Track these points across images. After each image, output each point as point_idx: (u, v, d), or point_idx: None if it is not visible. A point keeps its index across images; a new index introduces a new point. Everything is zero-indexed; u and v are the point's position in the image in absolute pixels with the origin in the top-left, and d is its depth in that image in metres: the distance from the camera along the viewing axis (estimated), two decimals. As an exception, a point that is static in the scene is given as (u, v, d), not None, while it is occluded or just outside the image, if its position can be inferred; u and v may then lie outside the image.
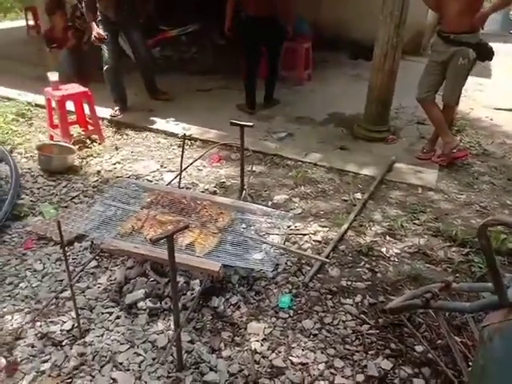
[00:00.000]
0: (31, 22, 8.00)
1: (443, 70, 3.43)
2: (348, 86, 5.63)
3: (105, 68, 4.42)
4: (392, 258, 2.55)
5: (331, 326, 2.05)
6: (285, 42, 4.94)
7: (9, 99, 4.80)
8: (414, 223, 2.88)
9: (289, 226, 2.78)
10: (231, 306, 2.13)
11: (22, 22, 8.35)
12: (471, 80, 6.15)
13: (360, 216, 2.92)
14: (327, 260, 2.44)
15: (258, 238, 2.44)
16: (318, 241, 2.68)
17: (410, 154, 3.88)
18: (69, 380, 1.76)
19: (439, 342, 1.96)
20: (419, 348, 1.94)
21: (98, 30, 4.13)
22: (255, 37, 4.45)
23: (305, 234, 2.74)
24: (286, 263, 2.46)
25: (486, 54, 3.30)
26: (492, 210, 3.07)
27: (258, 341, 1.96)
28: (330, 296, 2.25)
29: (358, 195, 3.18)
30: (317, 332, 2.02)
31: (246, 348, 1.92)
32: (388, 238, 2.73)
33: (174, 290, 1.63)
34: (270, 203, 3.06)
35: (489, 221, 1.18)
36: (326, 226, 2.83)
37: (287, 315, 2.11)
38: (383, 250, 2.61)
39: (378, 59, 3.83)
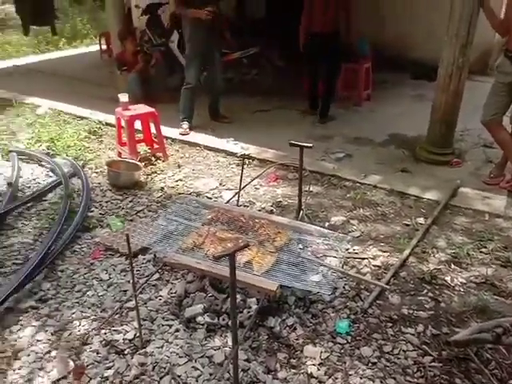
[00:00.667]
0: (104, 47, 8.61)
1: (510, 91, 3.30)
2: (409, 107, 5.51)
3: (186, 86, 4.66)
4: (457, 288, 2.43)
5: (391, 355, 1.98)
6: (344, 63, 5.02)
7: (82, 118, 5.16)
8: (481, 252, 2.73)
9: (347, 249, 2.74)
10: (287, 328, 2.12)
11: (95, 47, 9.00)
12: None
13: (423, 242, 2.82)
14: (387, 286, 2.36)
15: (316, 260, 2.42)
16: (378, 266, 2.61)
17: (476, 178, 3.70)
18: (130, 389, 1.83)
19: (510, 382, 1.82)
20: (488, 387, 1.82)
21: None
22: (318, 52, 4.75)
23: (364, 258, 2.68)
24: (343, 287, 2.42)
25: None
26: None
27: (314, 365, 1.93)
28: (390, 324, 2.17)
29: (421, 220, 3.07)
30: (376, 360, 1.96)
31: (302, 371, 1.90)
32: (453, 266, 2.61)
33: (233, 308, 1.65)
34: (326, 224, 3.04)
35: None
36: (386, 251, 2.75)
37: (345, 341, 2.07)
38: (447, 278, 2.49)
39: (443, 79, 3.73)
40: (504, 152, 3.55)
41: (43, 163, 3.91)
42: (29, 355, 2.01)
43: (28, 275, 2.40)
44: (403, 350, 2.01)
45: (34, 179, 3.66)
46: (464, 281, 2.48)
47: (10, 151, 4.01)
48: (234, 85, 6.13)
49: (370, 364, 1.94)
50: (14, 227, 2.98)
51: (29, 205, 3.22)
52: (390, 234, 2.94)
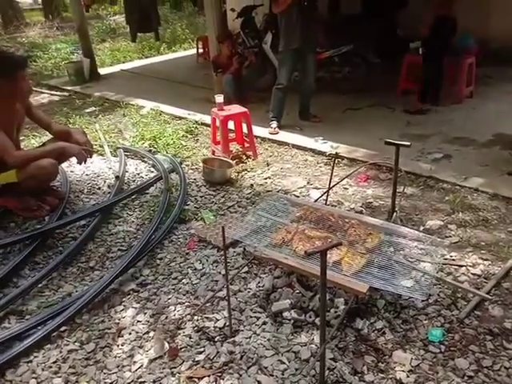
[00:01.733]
0: (201, 50, 9.07)
1: None
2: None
3: (278, 87, 4.75)
4: None
5: (491, 371, 1.84)
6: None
7: (180, 118, 5.50)
8: None
9: (443, 255, 2.59)
10: (376, 331, 2.07)
11: (193, 51, 9.52)
12: None
13: (530, 251, 2.57)
14: (489, 297, 2.19)
15: (408, 264, 2.32)
16: (478, 274, 2.43)
17: None
18: (219, 374, 1.92)
19: None
20: None
21: None
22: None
23: (461, 266, 2.51)
24: (438, 294, 2.29)
25: None
26: None
27: (403, 371, 1.86)
28: (489, 337, 2.01)
29: (529, 227, 2.80)
30: (472, 374, 1.83)
31: (390, 376, 1.84)
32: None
33: (323, 306, 1.66)
34: (421, 228, 2.89)
35: None
36: (487, 259, 2.55)
37: (438, 350, 1.96)
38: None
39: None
40: None
41: (146, 159, 4.24)
42: (130, 333, 2.20)
43: (131, 261, 2.63)
44: (505, 367, 1.85)
45: (138, 174, 3.99)
46: None
47: (118, 148, 4.41)
48: (325, 83, 6.08)
49: (465, 377, 1.82)
50: (120, 217, 3.28)
51: (133, 197, 3.52)
52: (492, 241, 2.72)
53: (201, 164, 3.91)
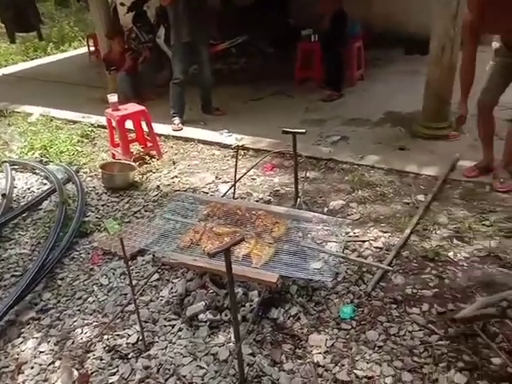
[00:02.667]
0: (92, 48, 8.53)
1: None
2: (404, 83, 5.40)
3: (174, 81, 4.61)
4: (461, 263, 2.39)
5: (397, 337, 1.95)
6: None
7: (74, 122, 5.11)
8: (484, 224, 2.68)
9: (347, 233, 2.70)
10: (291, 318, 2.10)
11: (84, 49, 8.91)
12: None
13: (424, 219, 2.77)
14: (390, 268, 2.33)
15: (316, 247, 2.38)
16: (379, 247, 2.57)
17: (474, 150, 3.62)
18: (136, 392, 1.81)
19: (520, 354, 1.79)
20: (496, 361, 1.78)
21: None
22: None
23: (364, 241, 2.64)
24: (346, 272, 2.38)
25: None
26: None
27: (320, 353, 1.91)
28: (394, 305, 2.14)
29: (421, 197, 3.03)
30: (382, 344, 1.93)
31: (308, 361, 1.88)
32: (455, 241, 2.56)
33: (233, 303, 1.62)
34: (325, 210, 3.00)
35: None
36: (387, 232, 2.71)
37: (350, 326, 2.04)
38: (450, 254, 2.45)
39: (435, 53, 3.64)
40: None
41: (37, 171, 3.88)
42: (32, 368, 2.00)
43: (27, 286, 2.38)
44: (409, 331, 1.98)
45: (29, 188, 3.63)
46: (467, 255, 2.43)
47: (3, 162, 3.98)
48: (223, 75, 6.05)
49: (376, 348, 1.91)
50: (10, 239, 2.96)
51: (24, 215, 3.20)
52: (390, 214, 2.90)
53: (100, 170, 3.67)
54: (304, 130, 2.54)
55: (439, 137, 3.86)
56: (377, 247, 2.58)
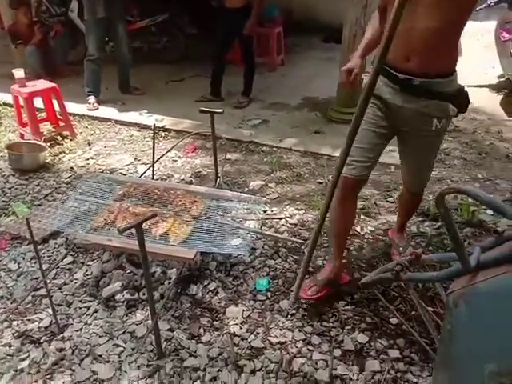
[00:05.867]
0: (-5, 19, 7.75)
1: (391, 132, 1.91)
2: (321, 70, 5.64)
3: (88, 58, 4.40)
4: (366, 236, 2.60)
5: (308, 305, 2.09)
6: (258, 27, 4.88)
7: (-26, 100, 4.66)
8: (388, 201, 2.94)
9: (265, 211, 2.81)
10: (210, 293, 2.15)
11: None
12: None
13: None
14: (302, 241, 2.47)
15: (234, 224, 2.45)
16: (294, 224, 2.71)
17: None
18: (48, 376, 1.76)
19: (413, 313, 2.01)
20: (394, 320, 1.99)
21: None
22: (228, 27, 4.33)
23: (281, 218, 2.76)
24: (262, 247, 2.48)
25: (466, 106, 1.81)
26: (463, 183, 3.14)
27: (236, 324, 1.99)
28: (307, 276, 2.27)
29: (333, 177, 3.21)
30: (294, 311, 2.06)
31: (225, 332, 1.94)
32: (362, 216, 2.77)
33: (147, 279, 1.63)
34: (246, 190, 3.08)
35: (444, 190, 1.21)
36: (301, 209, 2.85)
37: (265, 297, 2.14)
38: (358, 228, 2.65)
39: (348, 41, 3.85)
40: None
41: None
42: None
43: None
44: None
45: None
46: (372, 229, 2.65)
47: None
48: (143, 54, 5.86)
49: (288, 316, 2.03)
50: None
51: None
52: (305, 193, 3.05)
53: (6, 151, 3.40)
54: (221, 110, 2.57)
55: (350, 121, 4.10)
56: (292, 224, 2.71)
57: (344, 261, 2.23)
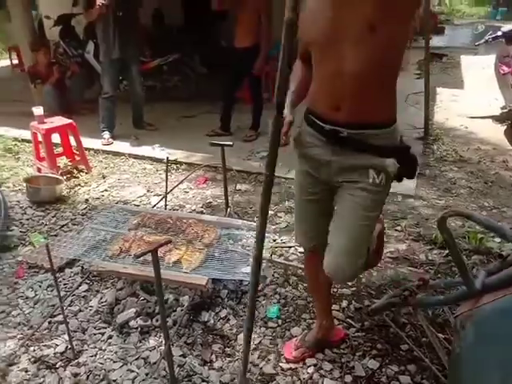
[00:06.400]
0: (15, 61, 8.16)
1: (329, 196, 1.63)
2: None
3: (103, 96, 4.60)
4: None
5: (319, 332, 2.11)
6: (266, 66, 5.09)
7: (-5, 136, 4.87)
8: (396, 230, 2.98)
9: (274, 240, 2.86)
10: (221, 320, 2.18)
11: (5, 62, 8.51)
12: (445, 91, 6.47)
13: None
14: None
15: (245, 252, 2.50)
16: (303, 252, 2.75)
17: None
18: (63, 402, 1.79)
19: (423, 339, 2.02)
20: (405, 347, 2.00)
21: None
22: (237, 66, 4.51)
23: (290, 247, 2.81)
24: (273, 275, 2.52)
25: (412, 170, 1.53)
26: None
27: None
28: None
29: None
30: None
31: (236, 358, 1.97)
32: (371, 245, 2.81)
33: (161, 303, 1.68)
34: (255, 219, 3.13)
35: (446, 213, 1.27)
36: (310, 238, 2.90)
37: (276, 324, 2.17)
38: (367, 256, 2.69)
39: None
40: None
41: (-48, 186, 3.65)
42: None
43: None
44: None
45: None
46: (382, 257, 2.68)
47: None
48: (156, 92, 6.11)
49: (300, 343, 2.05)
50: None
51: None
52: (314, 222, 3.10)
53: (24, 184, 3.54)
54: (231, 143, 2.68)
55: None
56: (301, 252, 2.74)
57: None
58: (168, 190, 2.99)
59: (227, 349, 2.02)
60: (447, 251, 2.67)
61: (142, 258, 2.10)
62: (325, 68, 1.41)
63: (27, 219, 3.21)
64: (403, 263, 2.64)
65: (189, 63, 6.00)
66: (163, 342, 2.00)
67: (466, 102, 5.97)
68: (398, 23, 1.27)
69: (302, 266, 2.54)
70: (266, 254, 2.67)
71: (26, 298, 2.40)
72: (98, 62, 5.26)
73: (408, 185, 3.60)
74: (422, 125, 4.66)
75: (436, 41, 10.52)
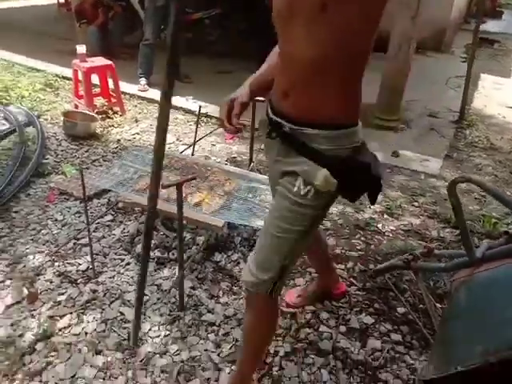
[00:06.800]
0: (62, 0, 8.26)
1: None
2: (366, 77, 5.70)
3: (144, 42, 4.68)
4: (387, 234, 2.70)
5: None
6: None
7: (38, 70, 5.04)
8: (413, 205, 3.02)
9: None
10: (232, 262, 2.32)
11: (52, 0, 8.62)
12: (489, 78, 6.26)
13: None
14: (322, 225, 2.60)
15: (263, 205, 2.61)
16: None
17: (417, 143, 3.99)
18: (82, 311, 1.98)
19: (420, 306, 2.11)
20: (401, 310, 2.09)
21: None
22: None
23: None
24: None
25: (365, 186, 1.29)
26: (490, 199, 3.18)
27: (253, 292, 2.14)
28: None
29: (362, 177, 3.32)
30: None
31: (241, 297, 2.10)
32: (385, 216, 2.88)
33: (180, 231, 1.81)
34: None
35: (457, 178, 1.33)
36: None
37: (282, 274, 2.29)
38: (379, 225, 2.76)
39: (392, 50, 3.94)
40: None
41: (-4, 111, 3.86)
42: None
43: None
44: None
45: (-14, 126, 3.62)
46: (394, 228, 2.75)
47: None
48: (196, 45, 6.13)
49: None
50: (-34, 170, 2.99)
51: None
52: (333, 188, 3.17)
53: (61, 118, 3.70)
54: (263, 98, 2.72)
55: (388, 128, 4.19)
56: (317, 214, 2.84)
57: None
58: (197, 139, 3.10)
59: (234, 287, 2.17)
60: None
61: (166, 195, 2.26)
62: (282, 48, 1.21)
63: (61, 151, 3.40)
64: (414, 236, 2.69)
65: (231, 18, 5.96)
66: (176, 274, 2.16)
67: (509, 92, 5.77)
68: (354, 3, 1.04)
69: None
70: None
71: (55, 220, 2.59)
72: (143, 8, 5.30)
73: (433, 165, 3.61)
74: (458, 108, 4.58)
75: (491, 25, 10.04)
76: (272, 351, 1.84)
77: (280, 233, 1.27)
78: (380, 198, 3.07)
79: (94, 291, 2.08)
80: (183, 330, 1.90)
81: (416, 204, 3.04)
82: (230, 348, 1.84)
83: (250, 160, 2.99)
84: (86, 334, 1.87)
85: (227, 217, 2.24)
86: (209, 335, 1.89)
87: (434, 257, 1.99)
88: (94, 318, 1.94)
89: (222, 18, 5.94)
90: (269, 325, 1.46)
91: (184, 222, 2.20)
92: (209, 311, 2.00)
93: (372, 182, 1.24)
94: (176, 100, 4.57)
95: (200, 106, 3.06)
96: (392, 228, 2.76)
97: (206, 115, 4.25)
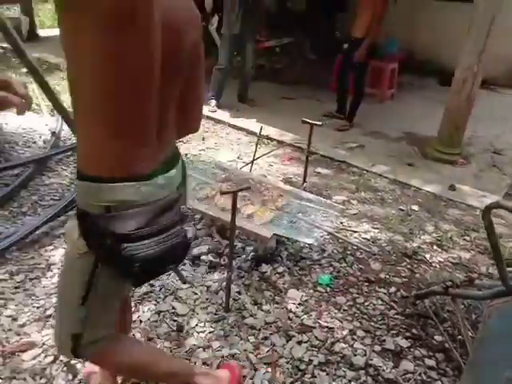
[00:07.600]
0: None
1: None
2: (429, 110, 5.69)
3: (218, 67, 5.05)
4: (434, 264, 2.71)
5: (362, 306, 2.30)
6: (371, 61, 5.15)
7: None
8: (464, 239, 3.00)
9: (342, 223, 3.05)
10: (277, 274, 2.46)
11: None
12: None
13: (413, 225, 3.10)
14: (372, 253, 2.68)
15: (311, 223, 2.74)
16: (367, 238, 2.91)
17: (477, 178, 3.94)
18: (139, 301, 2.21)
19: (459, 337, 2.11)
20: (438, 338, 2.11)
21: None
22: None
23: (355, 231, 2.99)
24: (332, 251, 2.73)
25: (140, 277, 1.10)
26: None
27: (294, 304, 2.27)
28: (366, 283, 2.48)
29: (415, 207, 3.35)
30: (347, 308, 2.28)
31: (283, 307, 2.24)
32: (435, 247, 2.89)
33: (232, 235, 2.00)
34: (328, 201, 3.35)
35: (491, 204, 1.40)
36: (377, 228, 3.05)
37: (324, 291, 2.39)
38: (427, 256, 2.78)
39: (457, 83, 3.96)
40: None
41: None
42: (59, 268, 2.41)
43: (62, 209, 2.82)
44: (373, 304, 2.32)
45: (75, 133, 4.10)
46: (441, 260, 2.76)
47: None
48: (265, 71, 6.47)
49: (342, 310, 2.26)
50: (54, 170, 3.41)
51: (68, 153, 3.65)
52: (384, 215, 3.23)
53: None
54: (320, 123, 2.90)
55: (448, 161, 4.17)
56: (365, 238, 2.92)
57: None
58: (255, 157, 3.32)
59: (277, 297, 2.30)
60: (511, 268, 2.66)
61: (222, 206, 2.47)
62: None
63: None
64: (462, 270, 2.68)
65: (300, 47, 6.25)
66: (225, 278, 2.35)
67: None
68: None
69: (363, 248, 2.72)
70: (331, 230, 2.89)
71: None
72: (219, 35, 5.73)
73: (491, 201, 3.54)
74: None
75: None
76: (307, 359, 1.94)
77: (60, 285, 1.30)
78: (431, 228, 3.09)
79: (151, 285, 2.31)
80: (226, 329, 2.07)
81: (468, 238, 3.01)
82: (268, 351, 1.97)
83: (304, 179, 3.14)
84: (141, 321, 2.10)
85: (276, 230, 2.40)
86: (249, 337, 2.04)
87: (474, 286, 2.00)
88: (148, 308, 2.16)
89: (291, 47, 6.24)
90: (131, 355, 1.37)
91: (236, 231, 2.41)
92: (251, 315, 2.15)
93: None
94: (241, 121, 4.87)
95: (261, 127, 3.29)
96: (440, 259, 2.76)
97: (267, 137, 4.49)
